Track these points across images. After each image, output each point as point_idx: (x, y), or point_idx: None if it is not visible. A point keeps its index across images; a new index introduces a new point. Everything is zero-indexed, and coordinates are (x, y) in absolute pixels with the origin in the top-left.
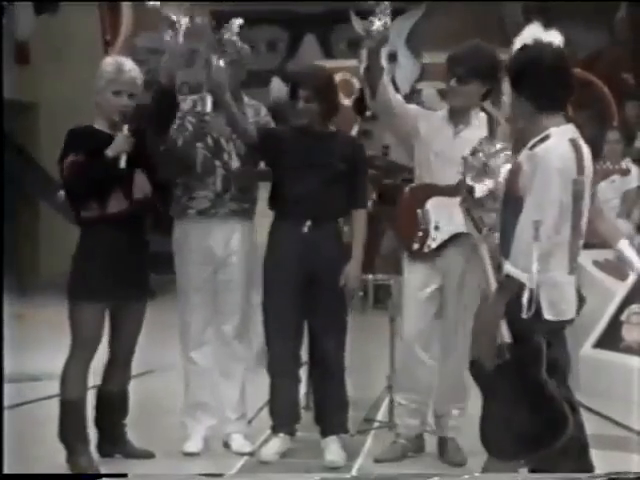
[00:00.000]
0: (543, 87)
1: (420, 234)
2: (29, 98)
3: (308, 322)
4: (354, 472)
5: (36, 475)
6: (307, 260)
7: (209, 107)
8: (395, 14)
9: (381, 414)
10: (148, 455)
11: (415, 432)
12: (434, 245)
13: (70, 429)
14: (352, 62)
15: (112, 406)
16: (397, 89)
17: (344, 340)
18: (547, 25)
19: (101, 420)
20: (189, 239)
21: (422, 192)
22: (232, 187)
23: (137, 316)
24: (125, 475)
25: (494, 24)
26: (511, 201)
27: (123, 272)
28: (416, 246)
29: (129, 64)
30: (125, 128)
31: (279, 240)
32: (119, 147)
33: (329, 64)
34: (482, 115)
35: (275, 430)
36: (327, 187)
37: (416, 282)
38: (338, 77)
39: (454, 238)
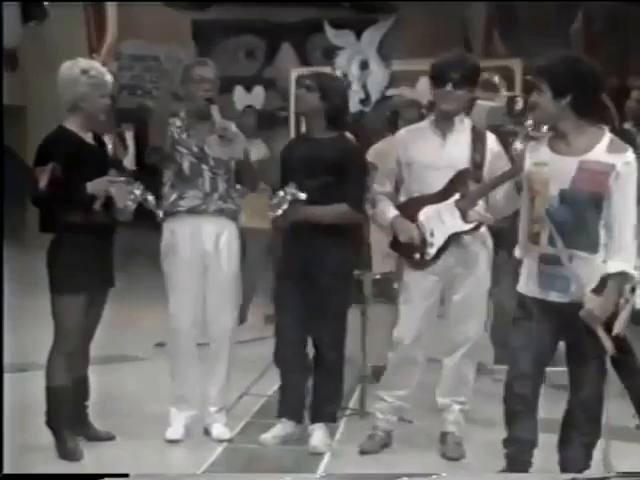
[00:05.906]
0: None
1: (419, 245)
2: (17, 102)
3: (309, 314)
4: (326, 458)
5: (36, 475)
6: (311, 263)
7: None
8: (367, 24)
9: (353, 402)
10: (109, 437)
11: (393, 427)
12: (433, 251)
13: (56, 415)
14: (327, 70)
15: (75, 392)
16: (368, 95)
17: (343, 333)
18: (507, 36)
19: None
20: (179, 236)
21: (413, 206)
22: (219, 187)
23: (102, 305)
24: (126, 475)
25: (457, 35)
26: (589, 198)
27: (99, 264)
28: (417, 256)
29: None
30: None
31: (287, 240)
32: (98, 188)
33: (304, 71)
34: (467, 120)
35: (279, 415)
36: (328, 190)
37: (416, 286)
38: None
39: (447, 240)
